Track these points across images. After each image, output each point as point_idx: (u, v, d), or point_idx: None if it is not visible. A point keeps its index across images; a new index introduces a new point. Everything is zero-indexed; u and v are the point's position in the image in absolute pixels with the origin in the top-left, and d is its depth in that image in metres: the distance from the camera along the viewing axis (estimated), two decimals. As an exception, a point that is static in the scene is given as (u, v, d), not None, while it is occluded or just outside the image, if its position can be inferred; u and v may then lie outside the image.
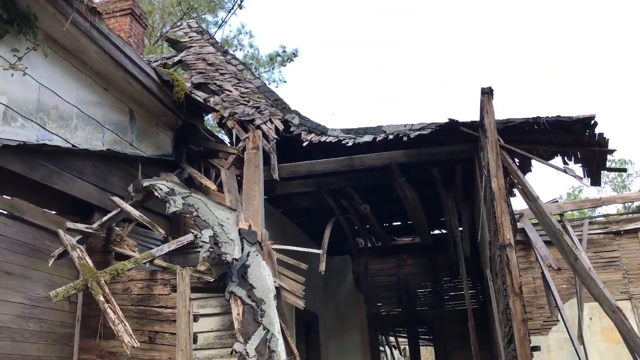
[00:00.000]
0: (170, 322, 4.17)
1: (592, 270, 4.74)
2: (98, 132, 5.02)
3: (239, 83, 7.24)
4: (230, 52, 8.39)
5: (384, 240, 9.49)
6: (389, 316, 10.37)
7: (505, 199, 4.94)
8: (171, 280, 4.36)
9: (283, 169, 6.58)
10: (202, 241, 4.54)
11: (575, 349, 6.07)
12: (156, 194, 5.03)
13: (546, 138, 5.83)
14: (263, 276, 4.72)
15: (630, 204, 15.01)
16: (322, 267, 6.86)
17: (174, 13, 15.48)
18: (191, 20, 9.58)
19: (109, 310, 3.78)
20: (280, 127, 6.62)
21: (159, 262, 4.47)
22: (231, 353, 4.23)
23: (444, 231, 9.65)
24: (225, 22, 16.50)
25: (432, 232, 9.25)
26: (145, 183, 5.15)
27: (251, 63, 15.92)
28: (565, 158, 5.93)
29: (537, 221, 8.29)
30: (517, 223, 8.11)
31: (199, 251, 4.71)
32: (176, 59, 7.39)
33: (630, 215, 9.67)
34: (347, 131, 6.51)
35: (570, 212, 10.89)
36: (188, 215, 5.01)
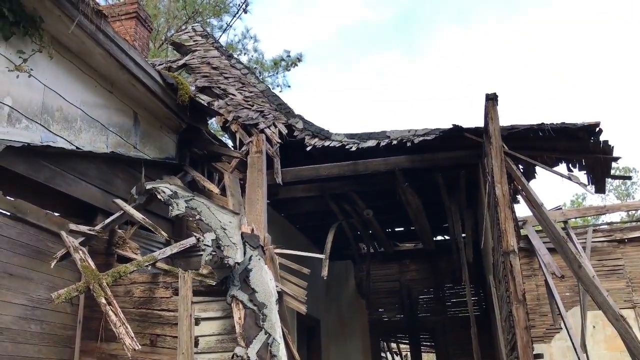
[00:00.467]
0: (172, 325, 4.16)
1: (595, 278, 4.71)
2: (102, 134, 5.03)
3: (243, 87, 7.26)
4: (235, 56, 8.41)
5: (387, 246, 9.46)
6: (391, 322, 10.33)
7: (509, 205, 4.91)
8: (173, 284, 4.35)
9: (286, 173, 6.57)
10: (205, 244, 4.54)
11: (578, 358, 6.02)
12: (159, 196, 5.03)
13: (551, 145, 5.81)
14: (265, 280, 4.71)
15: (634, 212, 14.96)
16: (325, 272, 6.84)
17: (179, 17, 15.53)
18: (196, 24, 9.63)
19: (110, 313, 3.77)
20: (284, 131, 6.62)
21: (161, 265, 4.46)
22: (232, 357, 4.21)
23: (446, 237, 9.62)
24: (230, 26, 16.53)
25: (435, 238, 9.21)
26: (149, 186, 5.15)
27: (255, 67, 15.96)
28: (570, 165, 5.91)
29: (540, 228, 8.27)
30: (521, 230, 8.07)
31: (201, 254, 4.70)
32: (181, 62, 7.41)
33: (634, 224, 9.63)
34: (351, 136, 6.50)
35: (573, 220, 10.84)
36: (191, 219, 5.01)
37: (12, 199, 4.03)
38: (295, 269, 5.62)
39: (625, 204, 16.44)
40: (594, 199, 24.83)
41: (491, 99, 5.45)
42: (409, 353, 13.07)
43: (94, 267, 4.09)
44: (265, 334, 4.31)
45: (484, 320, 8.63)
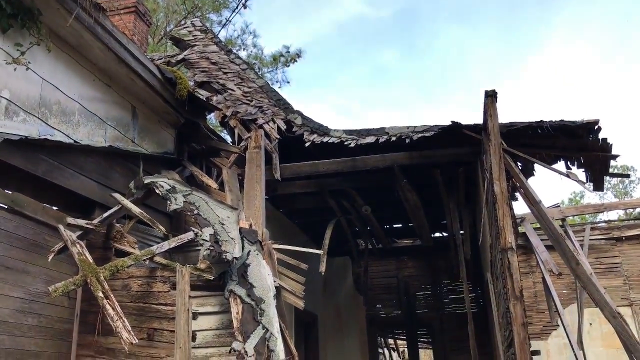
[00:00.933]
0: (169, 319, 4.16)
1: (593, 276, 4.72)
2: (100, 128, 5.01)
3: (242, 82, 7.24)
4: (234, 51, 8.38)
5: (385, 242, 9.47)
6: (388, 318, 10.35)
7: (507, 202, 4.91)
8: (171, 278, 4.35)
9: (285, 169, 6.57)
10: (203, 239, 4.53)
11: (575, 354, 6.03)
12: (157, 191, 5.03)
13: (549, 142, 5.81)
14: (263, 275, 4.71)
15: (632, 210, 14.98)
16: (323, 267, 6.84)
17: (178, 11, 15.48)
18: (195, 18, 9.59)
19: (107, 307, 3.76)
20: (283, 127, 6.62)
21: (159, 260, 4.46)
22: (230, 352, 4.21)
23: (444, 234, 9.63)
24: (230, 21, 16.47)
25: (433, 235, 9.22)
26: (147, 180, 5.14)
27: (254, 63, 15.92)
28: (569, 163, 5.91)
29: (538, 225, 8.28)
30: (519, 227, 8.08)
31: (199, 249, 4.70)
32: (179, 57, 7.38)
33: (632, 222, 9.64)
34: (350, 132, 6.50)
35: (571, 218, 10.85)
36: (189, 213, 5.00)
37: (9, 192, 4.02)
38: (293, 264, 5.62)
39: (623, 202, 16.46)
40: (591, 197, 24.89)
41: (490, 96, 5.44)
42: (406, 349, 13.10)
43: (91, 260, 4.08)
44: (263, 329, 4.31)
45: (481, 316, 8.65)
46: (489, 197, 5.41)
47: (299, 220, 9.06)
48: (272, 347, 4.26)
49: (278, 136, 6.51)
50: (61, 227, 4.25)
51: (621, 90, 44.78)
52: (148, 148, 5.68)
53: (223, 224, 4.87)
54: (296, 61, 16.31)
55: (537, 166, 6.04)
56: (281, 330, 4.51)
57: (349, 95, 55.05)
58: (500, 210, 4.88)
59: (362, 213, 7.83)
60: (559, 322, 7.04)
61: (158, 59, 7.17)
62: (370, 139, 6.22)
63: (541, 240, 7.66)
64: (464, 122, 5.87)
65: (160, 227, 4.70)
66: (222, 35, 15.99)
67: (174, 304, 4.11)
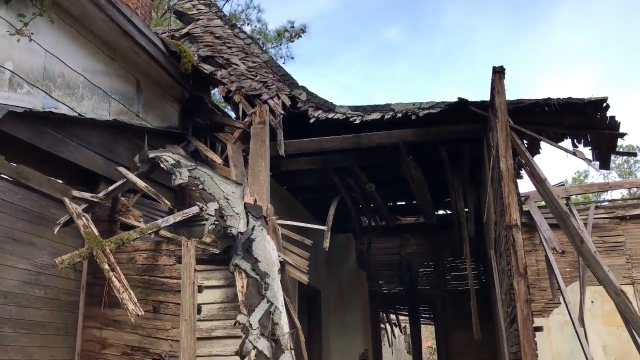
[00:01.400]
0: (175, 292, 4.19)
1: (597, 254, 4.71)
2: (104, 101, 4.98)
3: (246, 57, 7.16)
4: (238, 26, 8.28)
5: (388, 220, 9.48)
6: (390, 294, 10.43)
7: (513, 179, 4.89)
8: (176, 252, 4.37)
9: (289, 146, 6.54)
10: (208, 214, 4.54)
11: (576, 331, 6.07)
12: (162, 165, 5.02)
13: (556, 120, 5.75)
14: (267, 250, 4.73)
15: (636, 189, 14.94)
16: (327, 243, 6.86)
17: (182, -15, 15.24)
18: (199, -8, 9.44)
19: (113, 279, 3.79)
20: (287, 102, 6.56)
21: (164, 233, 4.47)
22: (235, 324, 4.25)
23: (448, 212, 9.64)
24: (234, -5, 16.27)
25: (436, 213, 9.23)
26: (152, 154, 5.13)
27: (258, 38, 15.75)
28: (575, 141, 5.86)
29: (542, 204, 8.27)
30: (522, 206, 8.07)
31: (204, 224, 4.72)
32: (183, 31, 7.29)
33: (636, 201, 9.61)
34: (355, 108, 6.44)
35: (574, 197, 10.83)
36: (194, 188, 5.01)
37: (14, 164, 4.01)
38: (298, 240, 5.64)
39: (628, 181, 16.42)
40: (595, 177, 24.78)
41: (498, 72, 5.37)
42: (407, 325, 13.24)
43: (97, 233, 4.10)
44: (268, 303, 4.35)
45: (483, 294, 8.69)
46: (495, 175, 5.39)
47: (302, 197, 9.06)
48: (277, 320, 4.30)
49: (283, 112, 6.46)
50: (66, 200, 4.26)
51: (628, 70, 44.27)
52: (152, 122, 5.66)
53: (228, 199, 4.87)
54: (300, 37, 16.15)
55: (543, 144, 6.00)
56: (285, 304, 4.54)
57: (353, 73, 54.65)
58: (505, 187, 4.86)
59: (366, 190, 7.82)
60: (561, 300, 7.07)
61: (162, 33, 7.09)
62: (376, 115, 6.17)
63: (545, 218, 7.66)
64: (470, 99, 5.82)
65: (166, 201, 4.70)
66: (226, 9, 15.81)
67: (179, 277, 4.14)
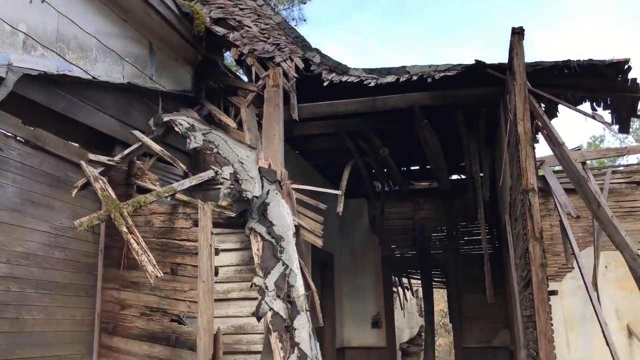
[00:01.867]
0: (192, 254, 4.24)
1: (614, 218, 4.68)
2: (118, 64, 4.95)
3: (258, 19, 7.04)
4: (250, -14, 8.11)
5: (401, 185, 9.46)
6: (403, 258, 10.50)
7: (530, 143, 4.82)
8: (192, 215, 4.40)
9: (302, 110, 6.47)
10: (223, 178, 4.56)
11: (590, 295, 6.08)
12: (176, 129, 5.02)
13: (575, 83, 5.63)
14: (282, 214, 4.75)
15: (653, 155, 14.71)
16: (340, 208, 6.89)
17: (192, -55, 14.95)
18: (210, -48, 9.24)
19: (132, 241, 3.83)
20: (301, 65, 6.47)
21: (181, 197, 4.50)
22: (251, 286, 4.32)
23: (462, 176, 9.59)
24: (244, -44, 15.89)
25: (450, 178, 9.18)
26: (166, 118, 5.12)
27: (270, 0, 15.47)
28: (594, 104, 5.75)
29: (557, 169, 8.19)
30: (537, 170, 7.99)
31: (219, 188, 4.74)
32: (195, -8, 7.18)
33: (653, 166, 9.47)
34: (370, 71, 6.34)
35: (590, 162, 10.70)
36: (208, 152, 5.01)
37: (31, 128, 4.03)
38: (312, 204, 5.66)
39: (645, 146, 16.16)
40: (611, 142, 24.43)
41: (517, 33, 5.24)
42: (420, 288, 13.38)
43: (114, 196, 4.13)
44: (283, 265, 4.40)
45: (496, 258, 8.71)
46: (512, 138, 5.32)
47: (315, 161, 9.04)
48: (292, 282, 4.36)
49: (296, 75, 6.38)
50: (83, 163, 4.29)
51: (649, 32, 43.07)
52: (166, 85, 5.63)
53: (242, 163, 4.88)
54: (313, -2, 15.81)
55: (561, 107, 5.89)
56: (300, 267, 4.59)
57: (366, 35, 53.72)
58: (523, 151, 4.80)
59: (379, 155, 7.78)
60: (575, 265, 7.07)
61: (173, -5, 6.98)
62: (391, 78, 6.07)
63: (560, 183, 7.60)
64: (487, 62, 5.70)
65: (181, 164, 4.71)
66: (237, -30, 15.45)
67: (196, 240, 4.18)
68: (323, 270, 9.55)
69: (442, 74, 5.86)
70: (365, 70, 6.40)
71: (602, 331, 5.57)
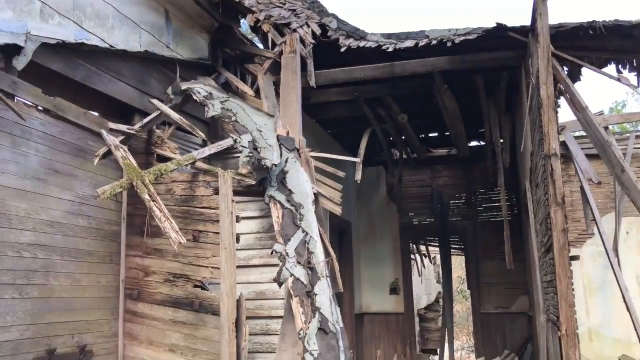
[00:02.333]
0: (214, 222, 4.28)
1: (639, 183, 4.60)
2: (135, 33, 4.92)
3: (274, -16, 6.92)
4: (265, -49, 7.95)
5: (420, 152, 9.39)
6: (421, 226, 10.49)
7: (553, 107, 4.73)
8: (212, 183, 4.43)
9: (319, 76, 6.40)
10: (242, 146, 4.56)
11: (610, 261, 6.05)
12: (194, 97, 5.01)
13: (600, 45, 5.48)
14: (301, 182, 4.75)
15: (677, 119, 14.32)
16: (358, 176, 6.87)
17: None
18: None
19: (154, 208, 3.88)
20: (318, 31, 6.37)
21: (201, 165, 4.52)
22: (271, 253, 4.36)
23: (481, 143, 9.48)
24: None
25: (469, 144, 9.08)
26: (184, 86, 5.11)
27: (284, -34, 15.17)
28: (620, 66, 5.60)
29: (578, 134, 8.05)
30: (559, 136, 7.86)
31: (238, 156, 4.75)
32: (209, -43, 7.05)
33: (678, 130, 9.26)
34: (388, 36, 6.23)
35: (612, 127, 10.49)
36: (226, 120, 5.00)
37: (52, 97, 4.05)
38: (330, 171, 5.65)
39: (670, 110, 15.77)
40: (634, 107, 23.89)
41: (541, -7, 5.08)
42: (437, 255, 13.42)
43: (135, 164, 4.16)
44: (303, 232, 4.42)
45: (515, 224, 8.67)
46: (534, 103, 5.22)
47: (332, 129, 8.99)
48: (312, 249, 4.39)
49: (313, 41, 6.29)
50: (104, 131, 4.32)
51: (676, -8, 41.43)
52: (183, 53, 5.60)
53: (261, 131, 4.87)
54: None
55: (584, 70, 5.75)
56: (320, 234, 4.61)
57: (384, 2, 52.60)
58: (545, 115, 4.71)
59: (397, 122, 7.70)
60: (595, 231, 7.02)
61: (187, -40, 6.87)
62: (410, 43, 5.96)
63: (581, 149, 7.49)
64: (508, 24, 5.56)
65: (200, 133, 4.72)
66: None
67: (217, 208, 4.22)
68: (341, 238, 9.60)
69: (463, 38, 5.74)
70: (383, 35, 6.29)
71: (623, 296, 5.56)
